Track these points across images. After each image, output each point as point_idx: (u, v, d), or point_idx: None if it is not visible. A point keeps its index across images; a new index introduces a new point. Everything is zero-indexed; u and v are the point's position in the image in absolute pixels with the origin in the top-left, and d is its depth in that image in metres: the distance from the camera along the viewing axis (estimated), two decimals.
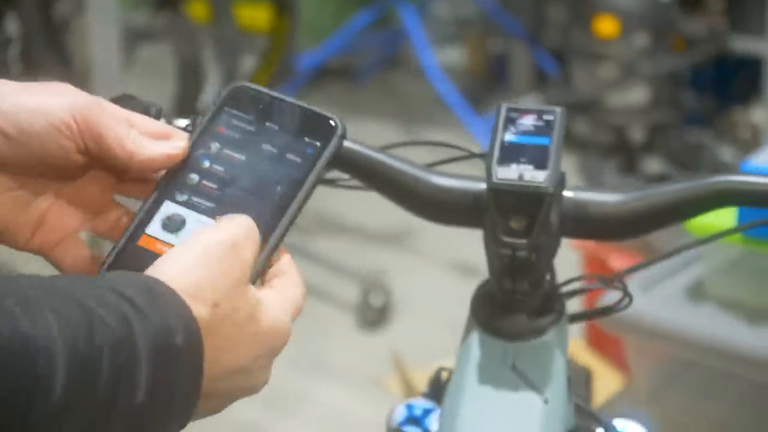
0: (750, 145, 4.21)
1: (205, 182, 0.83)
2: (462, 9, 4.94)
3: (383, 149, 1.01)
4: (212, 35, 4.22)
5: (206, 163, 0.84)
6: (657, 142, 4.20)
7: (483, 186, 0.97)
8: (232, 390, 0.76)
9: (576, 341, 2.53)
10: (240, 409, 2.84)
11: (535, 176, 0.92)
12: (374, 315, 3.19)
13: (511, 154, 0.93)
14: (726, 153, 3.45)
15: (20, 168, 0.80)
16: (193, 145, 0.84)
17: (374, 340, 3.14)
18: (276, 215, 0.81)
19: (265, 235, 0.80)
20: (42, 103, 0.79)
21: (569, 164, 3.36)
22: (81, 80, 3.13)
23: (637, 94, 4.21)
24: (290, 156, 0.84)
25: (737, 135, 4.26)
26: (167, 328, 0.69)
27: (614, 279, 1.01)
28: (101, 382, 0.64)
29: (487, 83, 4.83)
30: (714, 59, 4.24)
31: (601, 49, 4.12)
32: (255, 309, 0.75)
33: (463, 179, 0.99)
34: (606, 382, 2.16)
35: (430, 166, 1.03)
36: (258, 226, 0.79)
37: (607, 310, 1.03)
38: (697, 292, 1.88)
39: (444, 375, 1.10)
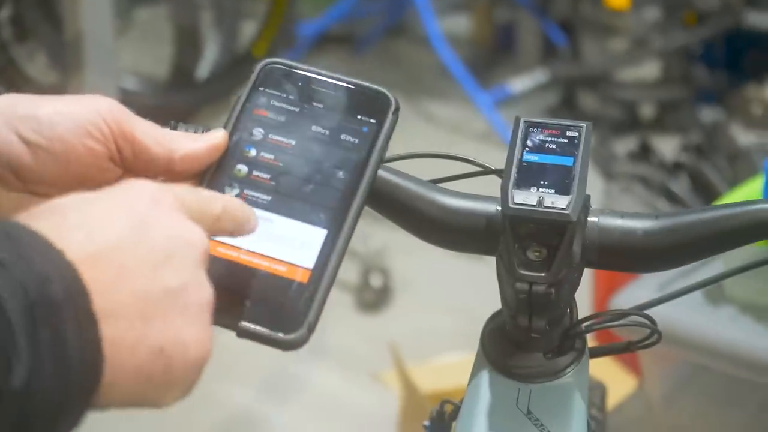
0: (762, 123, 4.11)
1: (256, 173, 0.75)
2: None
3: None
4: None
5: (252, 152, 0.76)
6: (668, 118, 4.10)
7: (497, 208, 0.86)
8: (160, 325, 0.61)
9: None
10: (232, 392, 2.78)
11: (557, 202, 0.81)
12: (374, 296, 3.09)
13: (529, 175, 0.83)
14: (740, 133, 3.35)
15: (45, 184, 0.72)
16: (232, 133, 0.76)
17: (373, 321, 3.05)
18: (343, 204, 0.74)
19: (335, 228, 0.72)
20: (67, 107, 0.72)
21: None
22: (72, 47, 3.01)
23: (647, 69, 4.10)
24: (345, 137, 0.76)
25: (749, 112, 4.15)
26: (38, 278, 0.56)
27: (641, 314, 0.90)
28: None
29: (493, 54, 4.71)
30: (726, 34, 4.13)
31: (612, 21, 4.01)
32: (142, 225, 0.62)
33: (473, 199, 0.88)
34: (617, 386, 2.06)
35: (435, 182, 0.91)
36: (324, 217, 0.73)
37: (632, 346, 0.92)
38: (715, 294, 1.77)
39: (448, 408, 1.00)
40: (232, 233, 0.69)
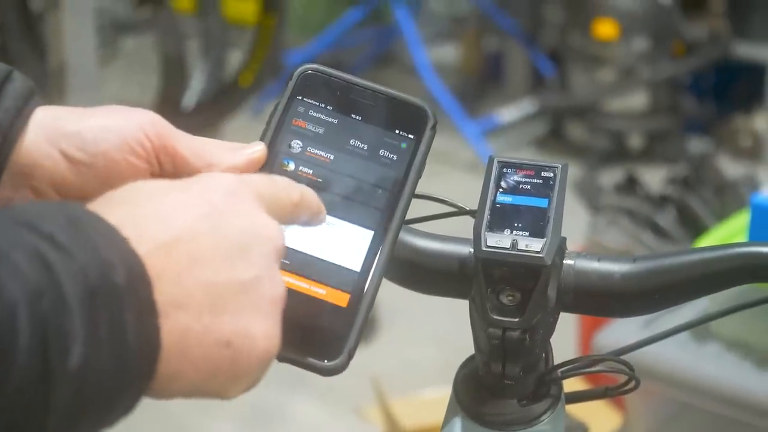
0: (751, 154, 4.10)
1: None
2: (457, 5, 4.81)
3: None
4: (197, 28, 4.10)
5: (291, 166, 0.73)
6: (656, 149, 4.09)
7: (470, 250, 0.84)
8: (230, 318, 0.60)
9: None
10: (214, 426, 2.75)
11: (531, 245, 0.79)
12: None
13: (503, 217, 0.80)
14: (728, 165, 3.33)
15: (85, 199, 0.69)
16: (270, 144, 0.73)
17: (359, 353, 3.01)
18: (383, 225, 0.72)
19: (375, 248, 0.71)
20: (110, 122, 0.72)
21: None
22: (55, 76, 3.00)
23: (635, 100, 4.09)
24: (384, 153, 0.74)
25: (738, 143, 4.15)
26: (101, 264, 0.55)
27: (618, 360, 0.87)
28: (21, 345, 0.52)
29: (481, 83, 4.70)
30: (715, 65, 4.13)
31: (600, 52, 4.00)
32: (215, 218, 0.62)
33: (446, 241, 0.86)
34: (602, 422, 2.04)
35: (407, 223, 0.88)
36: (365, 239, 0.71)
37: (609, 392, 0.90)
38: (701, 331, 1.75)
39: None
40: (307, 222, 0.69)
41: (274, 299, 0.62)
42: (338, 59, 4.77)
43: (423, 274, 0.86)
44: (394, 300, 3.22)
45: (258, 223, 0.63)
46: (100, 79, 3.09)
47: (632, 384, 0.88)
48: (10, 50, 3.49)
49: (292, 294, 0.68)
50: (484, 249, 0.79)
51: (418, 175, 0.74)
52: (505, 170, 0.83)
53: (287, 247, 0.68)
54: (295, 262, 0.70)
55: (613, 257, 0.85)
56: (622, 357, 0.90)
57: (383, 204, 0.72)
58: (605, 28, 3.97)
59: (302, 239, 0.71)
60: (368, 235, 0.71)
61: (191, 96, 4.00)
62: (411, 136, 0.75)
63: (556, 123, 4.27)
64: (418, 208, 0.91)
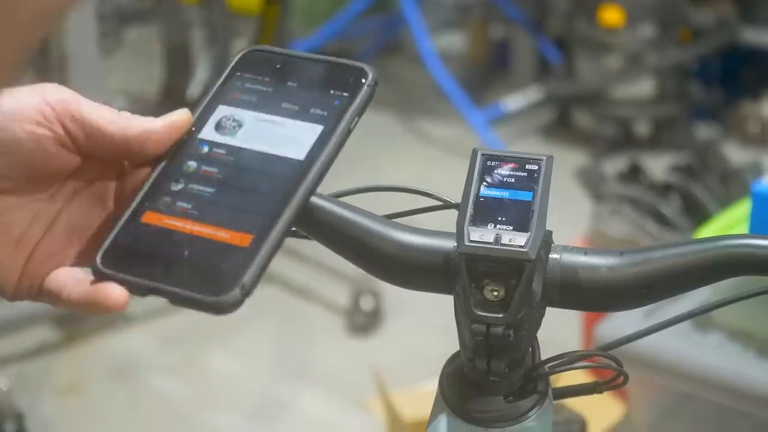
0: (758, 140, 4.08)
1: (216, 151, 0.73)
2: None
3: (336, 196, 0.85)
4: (202, 17, 4.08)
5: (219, 118, 0.75)
6: (663, 136, 4.06)
7: (454, 245, 0.82)
8: None
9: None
10: (220, 419, 2.74)
11: (515, 239, 0.77)
12: (364, 319, 3.05)
13: (487, 211, 0.79)
14: (736, 151, 3.31)
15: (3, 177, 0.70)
16: (201, 114, 0.75)
17: (364, 345, 3.01)
18: (299, 175, 0.71)
19: (288, 196, 0.70)
20: (10, 98, 0.70)
21: (568, 164, 3.21)
22: (58, 68, 2.99)
23: (642, 87, 4.07)
24: (314, 110, 0.74)
25: (746, 129, 4.12)
26: None
27: (607, 355, 0.86)
28: None
29: (487, 71, 4.67)
30: (722, 51, 4.10)
31: (606, 39, 3.98)
32: None
33: (430, 235, 0.84)
34: (604, 412, 2.02)
35: (392, 217, 0.87)
36: (280, 186, 0.71)
37: (599, 387, 0.88)
38: (703, 321, 1.73)
39: None
40: None
41: None
42: (343, 49, 4.75)
43: (407, 269, 0.84)
44: (399, 292, 3.20)
45: None
46: (103, 69, 3.07)
47: (621, 379, 0.86)
48: None
49: (193, 239, 0.69)
50: (467, 244, 0.77)
51: (348, 127, 0.73)
52: (489, 163, 0.82)
53: (195, 192, 0.70)
54: (204, 210, 0.71)
55: (600, 251, 0.83)
56: (620, 349, 0.89)
57: (305, 155, 0.72)
58: (611, 15, 3.94)
59: (214, 182, 0.72)
60: (284, 183, 0.71)
61: (196, 86, 3.98)
62: (345, 94, 0.74)
63: (562, 111, 4.25)
64: (402, 202, 0.90)
